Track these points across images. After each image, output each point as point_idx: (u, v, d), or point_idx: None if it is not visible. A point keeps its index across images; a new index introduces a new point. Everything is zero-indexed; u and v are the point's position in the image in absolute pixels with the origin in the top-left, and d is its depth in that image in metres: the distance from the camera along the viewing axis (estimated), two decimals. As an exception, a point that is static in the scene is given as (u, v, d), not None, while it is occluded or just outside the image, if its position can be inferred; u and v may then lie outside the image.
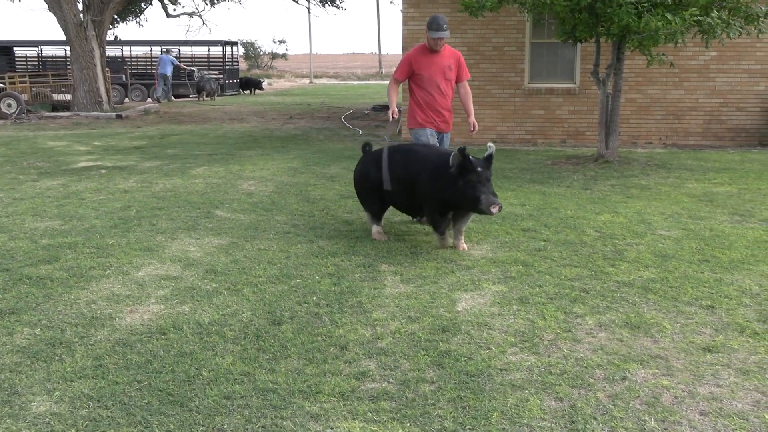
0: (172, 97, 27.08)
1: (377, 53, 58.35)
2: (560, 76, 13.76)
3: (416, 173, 6.05)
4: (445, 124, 7.09)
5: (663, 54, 10.88)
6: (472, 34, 13.57)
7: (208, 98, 27.70)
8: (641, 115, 13.72)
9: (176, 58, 28.65)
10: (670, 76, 13.52)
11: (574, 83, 13.70)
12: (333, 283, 5.23)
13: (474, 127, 7.12)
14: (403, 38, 13.74)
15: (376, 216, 6.51)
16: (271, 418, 3.33)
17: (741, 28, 10.08)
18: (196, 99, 27.59)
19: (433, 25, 6.75)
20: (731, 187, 8.94)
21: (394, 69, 7.05)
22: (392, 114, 6.78)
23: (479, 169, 5.64)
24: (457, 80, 7.12)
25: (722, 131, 13.69)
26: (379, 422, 3.30)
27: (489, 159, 5.75)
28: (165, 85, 26.63)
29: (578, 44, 12.75)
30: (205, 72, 29.73)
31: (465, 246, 6.12)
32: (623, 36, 10.19)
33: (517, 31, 13.54)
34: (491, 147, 5.80)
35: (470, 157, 5.67)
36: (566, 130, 13.73)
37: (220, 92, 29.08)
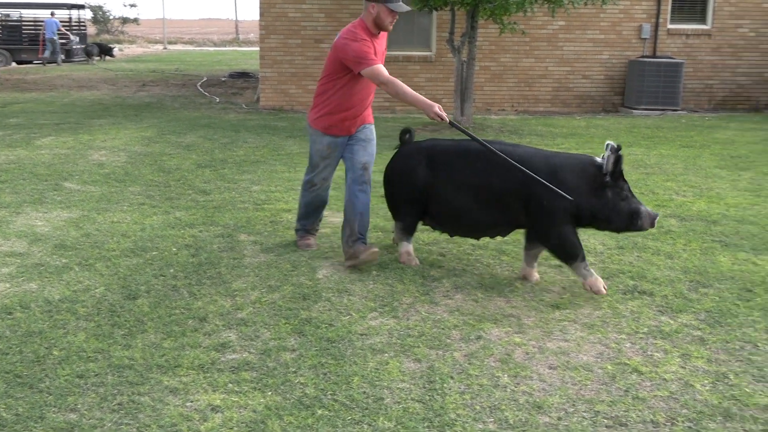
0: (60, 61, 25.80)
1: (234, 19, 57.14)
2: (417, 44, 13.92)
3: (526, 181, 4.47)
4: (362, 120, 5.10)
5: (514, 23, 11.21)
6: (329, 0, 13.49)
7: (98, 59, 27.95)
8: (495, 83, 14.11)
9: (18, 21, 27.12)
10: (522, 45, 13.96)
11: (431, 51, 13.91)
12: (191, 254, 5.12)
13: None
14: (261, 4, 13.50)
15: (409, 230, 5.03)
16: (128, 395, 3.24)
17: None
18: (85, 62, 26.93)
19: None
20: (578, 152, 9.37)
21: (362, 59, 4.71)
22: (441, 114, 4.68)
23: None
24: None
25: (569, 98, 14.30)
26: (240, 393, 3.28)
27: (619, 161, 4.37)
28: (54, 48, 25.45)
29: (434, 12, 12.94)
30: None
31: (537, 275, 4.80)
32: (476, 5, 10.42)
33: (373, -2, 13.57)
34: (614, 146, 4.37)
35: None
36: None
37: (66, 58, 27.78)
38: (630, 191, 4.42)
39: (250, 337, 3.86)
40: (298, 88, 13.72)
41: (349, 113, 4.98)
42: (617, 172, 4.36)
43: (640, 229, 4.43)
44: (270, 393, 3.29)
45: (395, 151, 5.13)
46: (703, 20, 14.34)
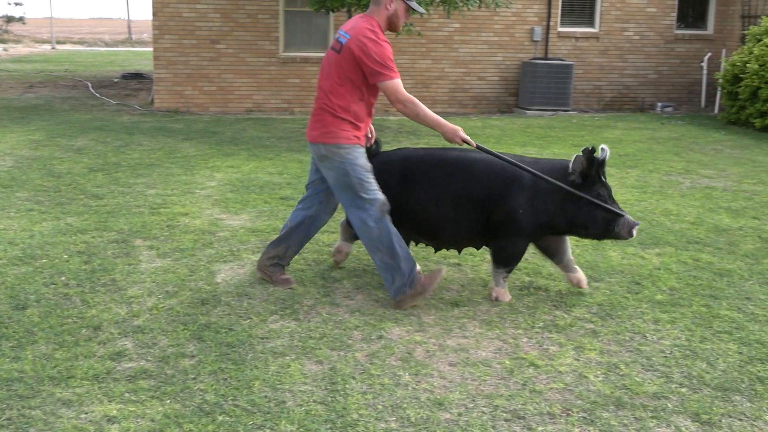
0: None
1: (126, 18, 55.59)
2: (315, 44, 13.89)
3: (494, 188, 4.36)
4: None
5: (411, 24, 11.33)
6: (224, 0, 13.31)
7: None
8: (392, 84, 14.21)
9: None
10: (418, 47, 14.11)
11: (328, 52, 13.90)
12: (83, 261, 4.96)
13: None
14: (154, 4, 13.19)
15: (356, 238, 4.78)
16: (18, 409, 3.11)
17: (479, 1, 10.74)
18: None
19: None
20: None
21: (384, 67, 4.17)
22: (466, 138, 4.29)
23: (604, 178, 4.31)
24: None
25: (466, 99, 14.56)
26: (138, 402, 3.20)
27: (603, 164, 4.29)
28: None
29: (330, 13, 12.94)
30: None
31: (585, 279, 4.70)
32: (373, 6, 10.47)
33: (270, -2, 13.47)
34: (606, 151, 4.25)
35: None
36: (322, 99, 13.93)
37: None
38: (610, 197, 4.29)
39: (147, 344, 3.76)
40: (194, 89, 13.47)
41: (363, 130, 4.37)
42: (592, 176, 4.23)
43: (618, 236, 4.29)
44: (169, 401, 3.22)
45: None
46: (591, 24, 14.85)
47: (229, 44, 13.45)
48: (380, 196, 4.25)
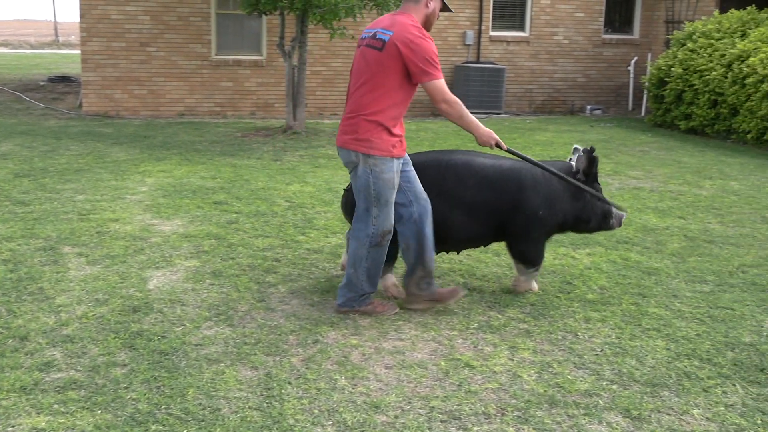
0: None
1: (53, 20, 54.20)
2: (247, 48, 13.77)
3: (513, 192, 4.43)
4: None
5: (344, 28, 11.33)
6: (154, 2, 13.09)
7: None
8: (327, 88, 14.20)
9: None
10: (352, 50, 14.12)
11: (261, 55, 13.81)
12: (9, 270, 4.82)
13: None
14: (81, 6, 12.91)
15: (389, 260, 4.47)
16: (-60, 424, 3.01)
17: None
18: None
19: None
20: (409, 155, 9.58)
21: (432, 66, 4.00)
22: (500, 143, 4.28)
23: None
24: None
25: (400, 102, 14.61)
26: (67, 413, 3.12)
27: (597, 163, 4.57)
28: None
29: (263, 16, 12.86)
30: None
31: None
32: (306, 9, 10.45)
33: (202, 1, 13.30)
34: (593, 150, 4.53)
35: None
36: (255, 102, 13.83)
37: None
38: (602, 191, 4.59)
39: (76, 354, 3.67)
40: (123, 93, 13.22)
41: (400, 135, 4.14)
42: (593, 174, 4.51)
43: (611, 228, 4.65)
44: (99, 411, 3.15)
45: None
46: (522, 28, 15.08)
47: (160, 47, 13.24)
48: (388, 223, 4.13)
